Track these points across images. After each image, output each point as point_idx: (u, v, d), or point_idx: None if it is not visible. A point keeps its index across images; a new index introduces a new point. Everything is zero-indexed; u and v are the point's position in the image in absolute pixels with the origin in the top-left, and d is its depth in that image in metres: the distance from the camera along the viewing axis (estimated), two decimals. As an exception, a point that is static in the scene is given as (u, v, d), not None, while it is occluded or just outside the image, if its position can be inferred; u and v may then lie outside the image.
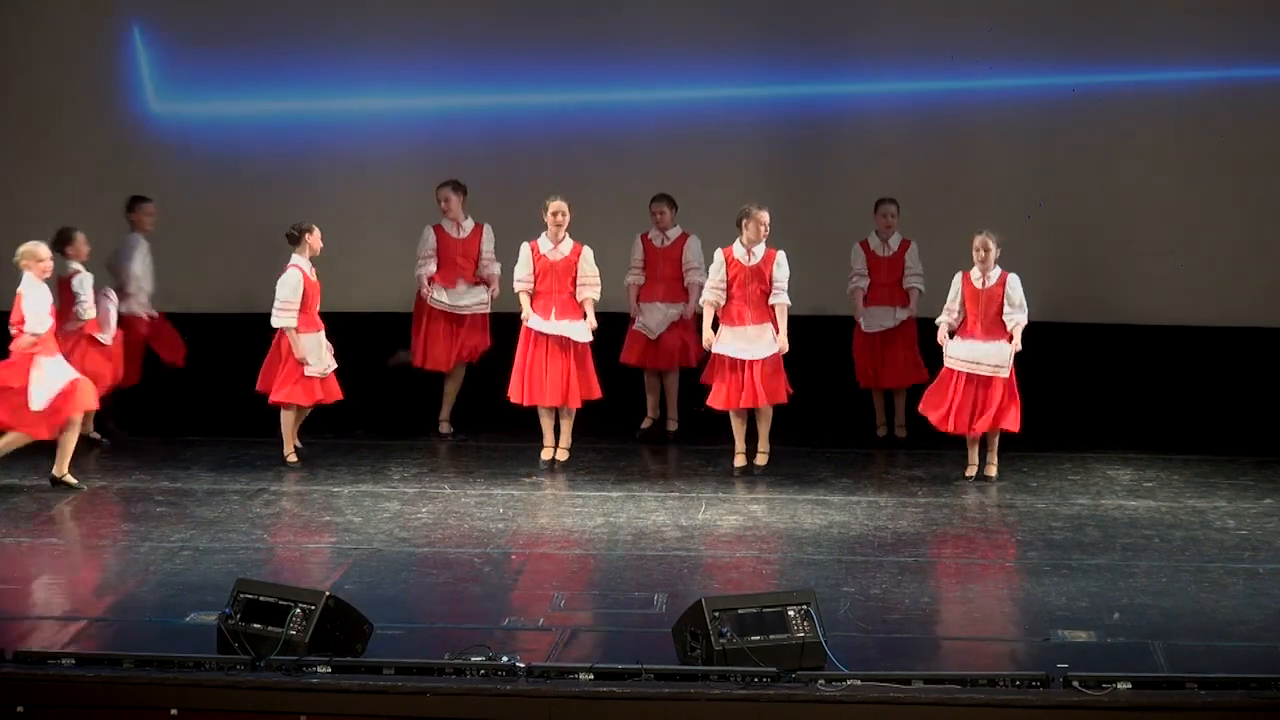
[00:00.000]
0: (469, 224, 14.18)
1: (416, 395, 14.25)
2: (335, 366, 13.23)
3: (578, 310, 13.16)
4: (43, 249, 12.66)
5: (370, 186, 15.39)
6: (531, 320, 13.10)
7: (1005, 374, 12.72)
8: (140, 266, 14.14)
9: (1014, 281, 12.77)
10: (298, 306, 13.00)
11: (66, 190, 15.33)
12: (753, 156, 15.34)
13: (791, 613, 8.81)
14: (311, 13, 15.37)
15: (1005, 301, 12.75)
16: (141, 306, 14.16)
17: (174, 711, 8.66)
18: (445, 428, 14.31)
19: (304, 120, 15.31)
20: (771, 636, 8.74)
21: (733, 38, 15.29)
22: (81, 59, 15.39)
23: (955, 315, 12.89)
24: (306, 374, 13.08)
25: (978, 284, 12.81)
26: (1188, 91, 15.05)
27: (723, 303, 12.95)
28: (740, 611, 8.80)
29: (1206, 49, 14.99)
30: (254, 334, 13.83)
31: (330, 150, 15.36)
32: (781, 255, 12.92)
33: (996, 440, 12.90)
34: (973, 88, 15.15)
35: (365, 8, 15.36)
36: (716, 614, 8.76)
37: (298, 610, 8.89)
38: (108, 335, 13.44)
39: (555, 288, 13.15)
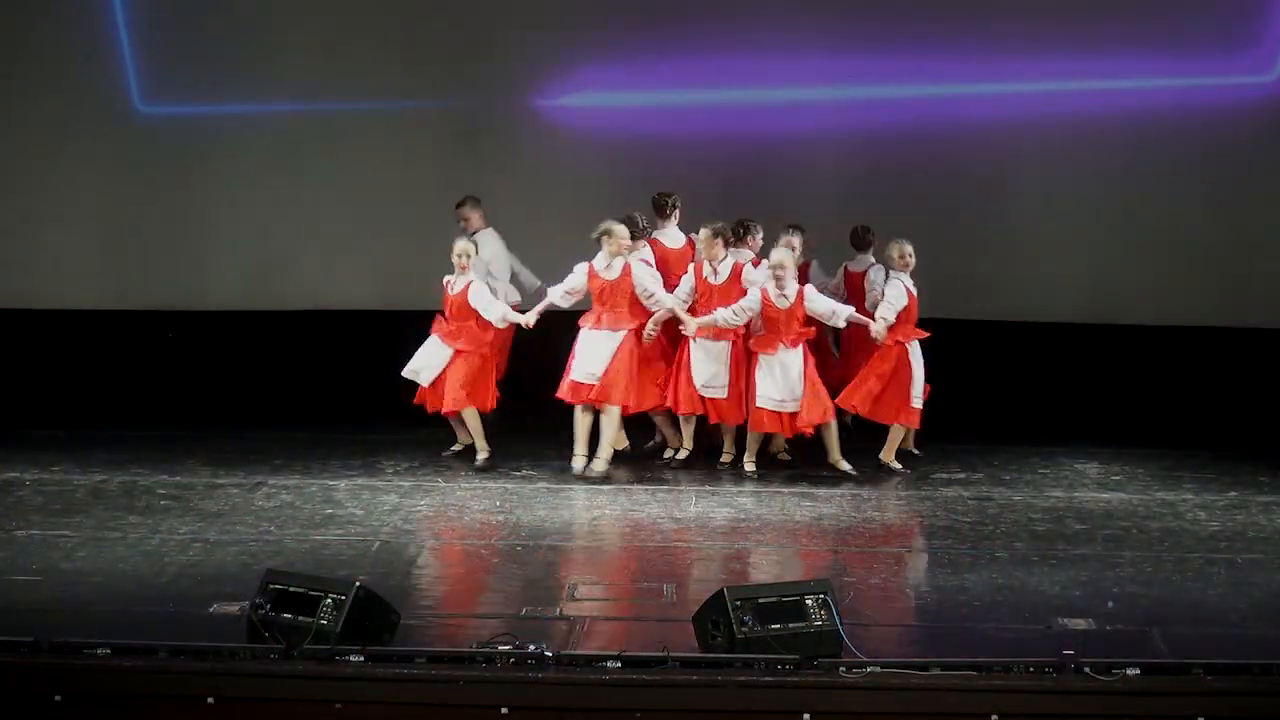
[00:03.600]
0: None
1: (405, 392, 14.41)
2: None
3: None
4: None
5: (355, 188, 15.53)
6: None
7: None
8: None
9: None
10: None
11: (52, 192, 15.41)
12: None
13: (809, 602, 9.05)
14: (296, 15, 15.49)
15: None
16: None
17: (210, 700, 8.78)
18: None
19: (290, 120, 15.45)
20: (790, 625, 8.94)
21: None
22: (68, 61, 15.44)
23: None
24: None
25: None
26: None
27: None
28: (761, 601, 9.02)
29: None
30: (245, 332, 13.93)
31: (318, 151, 15.51)
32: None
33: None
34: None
35: (350, 10, 15.49)
36: (739, 603, 8.97)
37: (329, 600, 9.03)
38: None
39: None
